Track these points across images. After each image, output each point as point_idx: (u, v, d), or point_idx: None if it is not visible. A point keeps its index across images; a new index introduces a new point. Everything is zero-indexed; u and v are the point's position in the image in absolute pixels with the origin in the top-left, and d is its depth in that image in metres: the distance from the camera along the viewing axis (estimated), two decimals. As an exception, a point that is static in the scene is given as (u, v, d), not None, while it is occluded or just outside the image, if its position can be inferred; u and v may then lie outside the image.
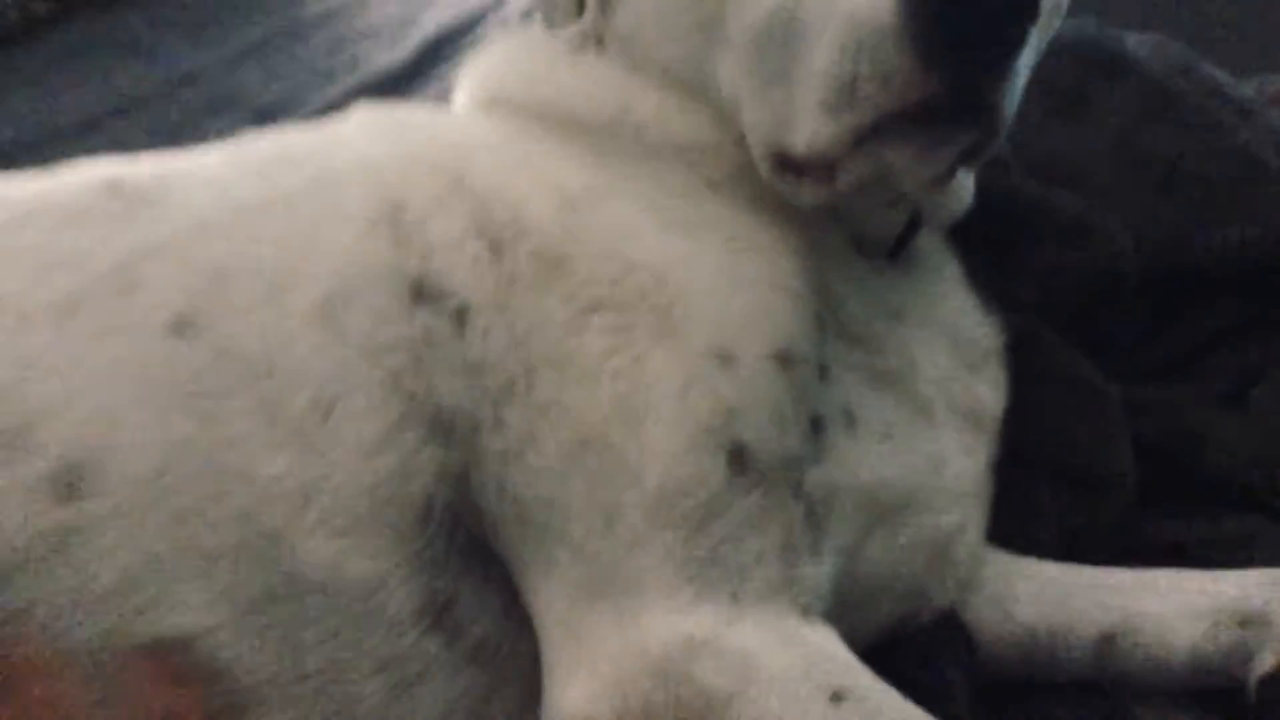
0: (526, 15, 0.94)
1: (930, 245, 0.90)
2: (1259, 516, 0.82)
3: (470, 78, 0.92)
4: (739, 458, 0.67)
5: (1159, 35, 1.12)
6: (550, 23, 0.87)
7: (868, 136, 0.67)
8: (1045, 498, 0.83)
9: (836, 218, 0.82)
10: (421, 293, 0.70)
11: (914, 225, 0.86)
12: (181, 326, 0.67)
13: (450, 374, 0.68)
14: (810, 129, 0.69)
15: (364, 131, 0.84)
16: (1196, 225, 0.95)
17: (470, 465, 0.68)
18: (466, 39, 1.74)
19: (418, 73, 1.66)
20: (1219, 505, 0.84)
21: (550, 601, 0.67)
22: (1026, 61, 0.69)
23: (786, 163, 0.73)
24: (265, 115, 1.51)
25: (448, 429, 0.68)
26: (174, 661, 0.63)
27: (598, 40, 0.87)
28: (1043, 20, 0.86)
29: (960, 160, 0.71)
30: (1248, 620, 0.77)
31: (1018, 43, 0.65)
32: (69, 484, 0.63)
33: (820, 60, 0.68)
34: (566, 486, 0.67)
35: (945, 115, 0.67)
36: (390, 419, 0.67)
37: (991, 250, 0.92)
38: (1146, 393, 0.89)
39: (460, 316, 0.70)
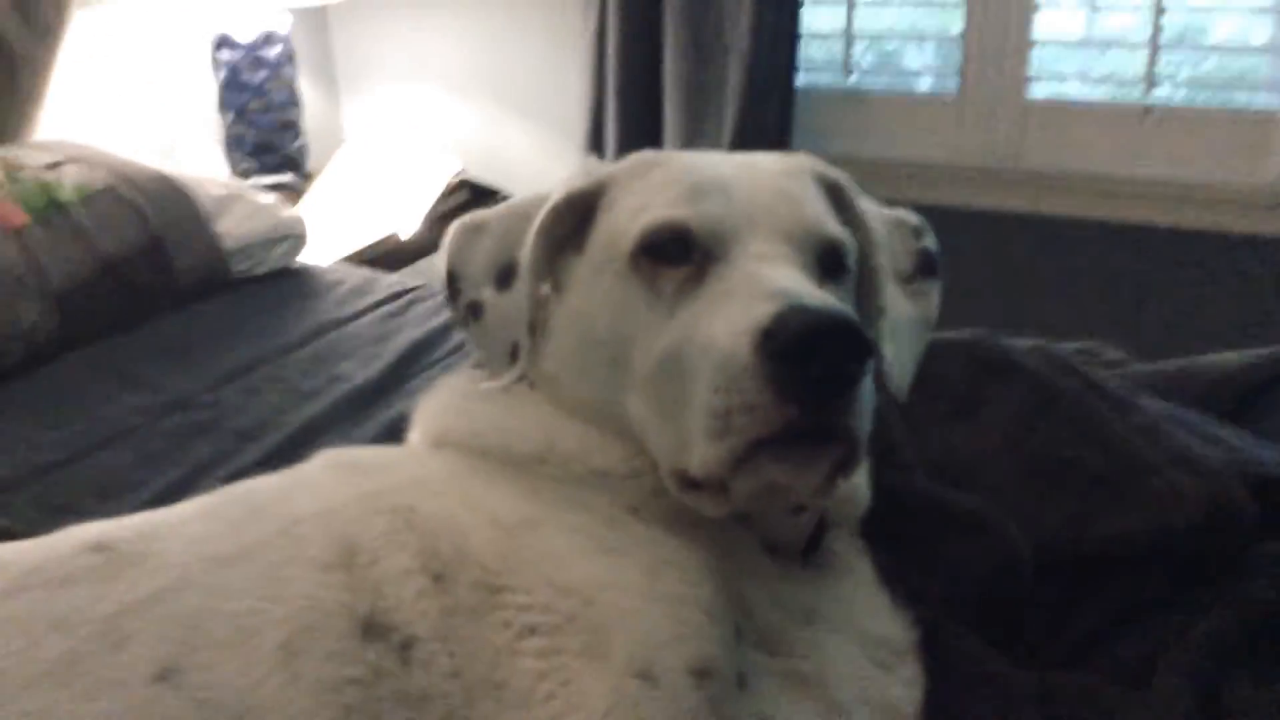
0: (469, 355, 1.06)
1: (842, 546, 0.98)
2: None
3: (421, 418, 1.03)
4: None
5: (1042, 339, 1.25)
6: (490, 370, 0.99)
7: (747, 458, 0.78)
8: (965, 790, 0.86)
9: (749, 527, 0.91)
10: (370, 630, 0.76)
11: (822, 528, 0.95)
12: (164, 677, 0.72)
13: (395, 706, 0.73)
14: (699, 454, 0.80)
15: (324, 475, 0.93)
16: (1084, 517, 1.03)
17: None
18: (434, 352, 1.88)
19: (391, 385, 1.79)
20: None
21: None
22: (870, 387, 0.80)
23: (687, 481, 0.83)
24: (246, 437, 1.61)
25: None
26: None
27: (529, 382, 0.99)
28: (909, 336, 0.99)
29: (835, 472, 0.81)
30: None
31: (855, 378, 0.76)
32: None
33: (700, 395, 0.79)
34: None
35: (807, 437, 0.77)
36: None
37: (900, 547, 1.00)
38: (1055, 678, 0.94)
39: (405, 649, 0.75)
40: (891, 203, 1.08)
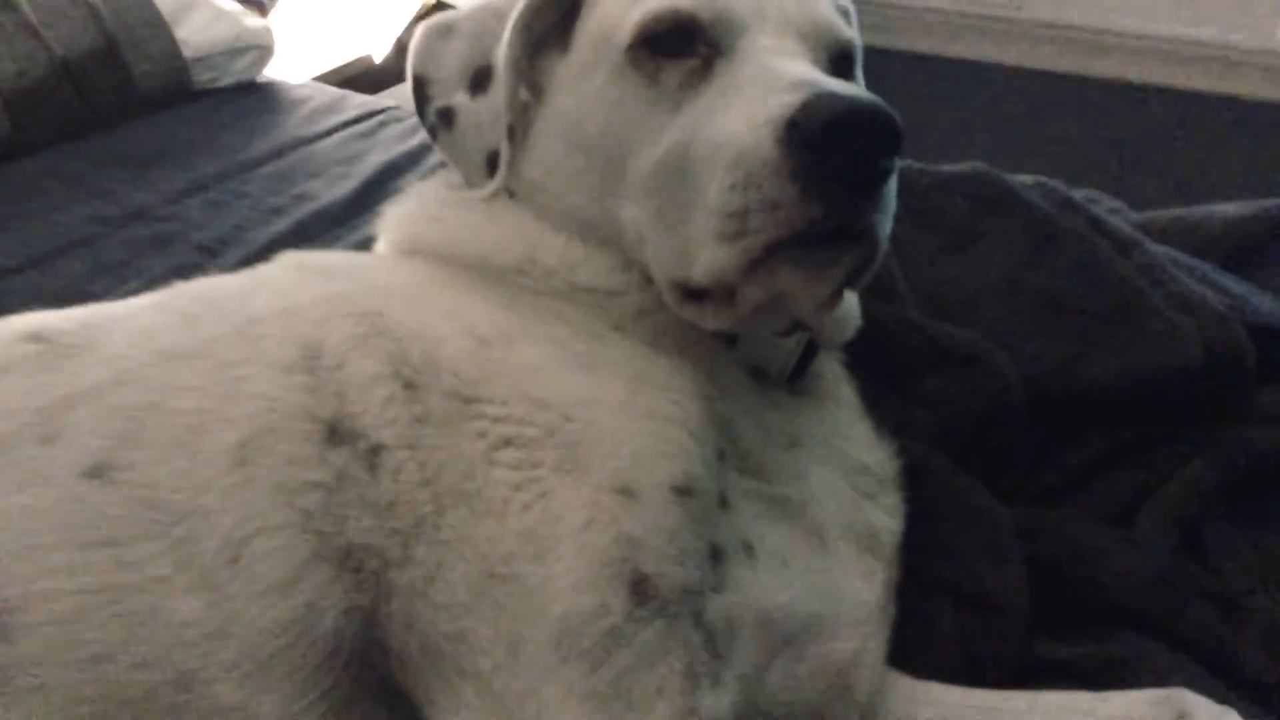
0: (444, 165, 0.99)
1: (829, 373, 0.95)
2: (1144, 636, 0.85)
3: (390, 224, 0.97)
4: (640, 588, 0.69)
5: (1042, 175, 1.20)
6: (469, 182, 0.93)
7: (761, 261, 0.73)
8: (943, 621, 0.85)
9: (735, 351, 0.87)
10: (335, 434, 0.72)
11: (810, 352, 0.91)
12: (98, 472, 0.69)
13: (361, 513, 0.70)
14: (708, 258, 0.75)
15: (288, 276, 0.88)
16: (1080, 355, 1.00)
17: (379, 601, 0.70)
18: (407, 175, 1.80)
19: (360, 207, 1.71)
20: (1106, 624, 0.87)
21: None
22: (894, 185, 0.75)
23: (689, 291, 0.79)
24: (209, 251, 1.55)
25: (356, 566, 0.70)
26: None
27: (508, 191, 0.92)
28: None
29: (847, 280, 0.77)
30: None
31: (886, 173, 0.72)
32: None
33: (713, 195, 0.74)
34: (473, 619, 0.69)
35: (828, 239, 0.73)
36: (300, 558, 0.69)
37: (888, 379, 0.98)
38: (1038, 515, 0.93)
39: (372, 456, 0.72)
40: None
